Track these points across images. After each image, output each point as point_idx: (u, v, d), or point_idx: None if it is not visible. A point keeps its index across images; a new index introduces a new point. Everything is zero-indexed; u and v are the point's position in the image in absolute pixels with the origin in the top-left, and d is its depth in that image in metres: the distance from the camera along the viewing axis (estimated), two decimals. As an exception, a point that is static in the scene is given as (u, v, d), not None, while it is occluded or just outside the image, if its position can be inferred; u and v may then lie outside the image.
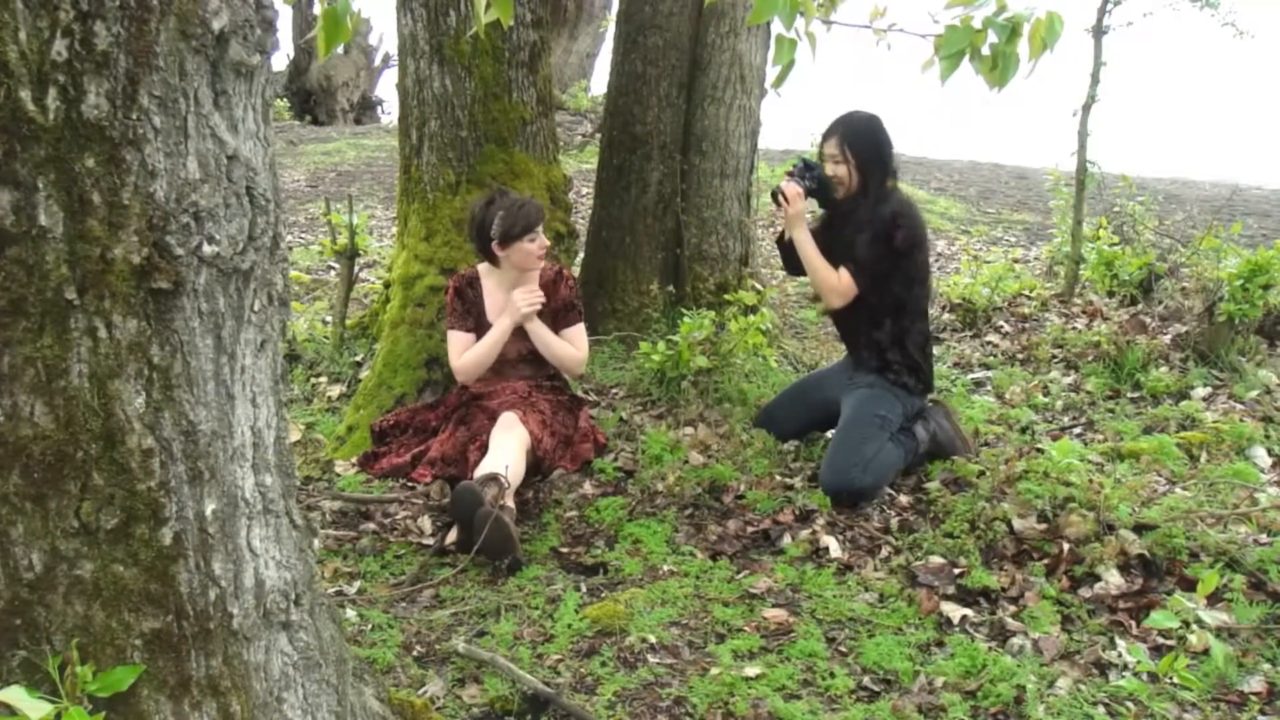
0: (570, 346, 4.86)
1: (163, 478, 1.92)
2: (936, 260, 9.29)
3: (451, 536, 4.24)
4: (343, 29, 2.67)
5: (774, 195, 4.78)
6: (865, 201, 4.68)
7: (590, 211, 6.61)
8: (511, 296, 4.69)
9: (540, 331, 4.76)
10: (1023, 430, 5.20)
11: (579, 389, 5.32)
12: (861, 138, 4.69)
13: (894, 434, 4.67)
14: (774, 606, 3.81)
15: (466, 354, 4.78)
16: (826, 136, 4.75)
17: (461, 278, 4.83)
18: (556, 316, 4.85)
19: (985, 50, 2.91)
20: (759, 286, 6.19)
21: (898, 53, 3.33)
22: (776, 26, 2.93)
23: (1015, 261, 8.53)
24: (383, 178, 12.29)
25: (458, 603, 3.87)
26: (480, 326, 4.79)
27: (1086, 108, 6.93)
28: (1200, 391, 5.49)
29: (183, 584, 1.99)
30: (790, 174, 4.78)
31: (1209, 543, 3.93)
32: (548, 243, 4.75)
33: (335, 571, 4.07)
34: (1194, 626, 2.85)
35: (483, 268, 4.85)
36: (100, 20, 1.72)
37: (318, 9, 2.84)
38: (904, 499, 4.49)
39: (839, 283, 4.67)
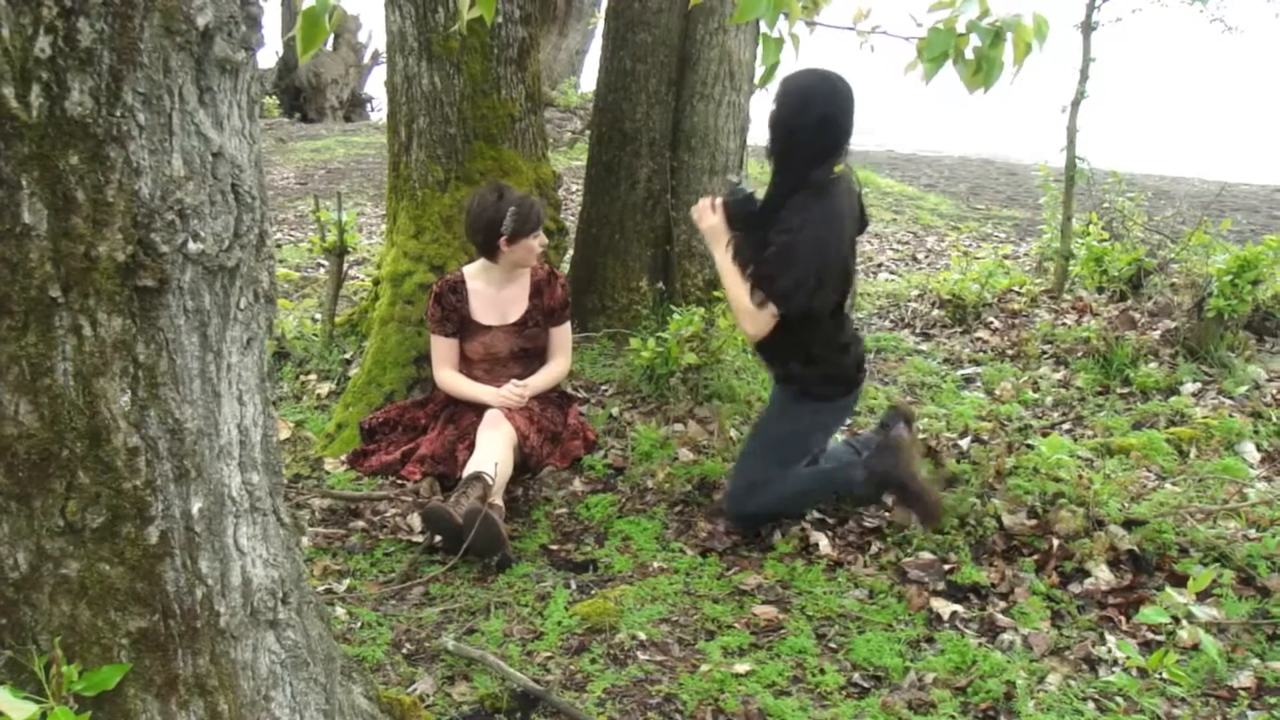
0: (557, 369, 4.96)
1: (149, 476, 1.91)
2: (927, 256, 9.30)
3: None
4: (320, 29, 2.66)
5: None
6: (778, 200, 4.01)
7: (580, 208, 6.59)
8: (501, 391, 4.72)
9: (532, 387, 4.83)
10: (1013, 426, 5.21)
11: (569, 386, 5.32)
12: (801, 106, 3.84)
13: (811, 459, 4.25)
14: (764, 603, 3.81)
15: (450, 380, 4.85)
16: None
17: (444, 283, 4.83)
18: (548, 317, 4.87)
19: (968, 54, 2.91)
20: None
21: (882, 53, 3.33)
22: (762, 25, 2.94)
23: (1005, 257, 8.53)
24: (372, 175, 12.27)
25: (447, 600, 3.87)
26: (463, 329, 4.80)
27: (1076, 104, 6.93)
28: (1189, 387, 5.50)
29: (169, 583, 1.98)
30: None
31: (1198, 538, 3.94)
32: (546, 240, 4.77)
33: (324, 569, 4.06)
34: (1183, 622, 2.85)
35: (469, 270, 4.85)
36: (83, 17, 1.71)
37: (304, 4, 2.83)
38: (892, 495, 4.48)
39: (754, 312, 3.95)
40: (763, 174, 12.43)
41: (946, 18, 2.88)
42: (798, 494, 4.24)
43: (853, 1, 3.19)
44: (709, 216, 4.11)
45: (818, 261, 3.83)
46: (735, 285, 3.99)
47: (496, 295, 4.83)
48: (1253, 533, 4.02)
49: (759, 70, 4.00)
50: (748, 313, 3.96)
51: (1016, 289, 7.29)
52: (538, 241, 4.71)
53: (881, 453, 4.31)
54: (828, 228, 3.86)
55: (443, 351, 4.83)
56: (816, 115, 3.80)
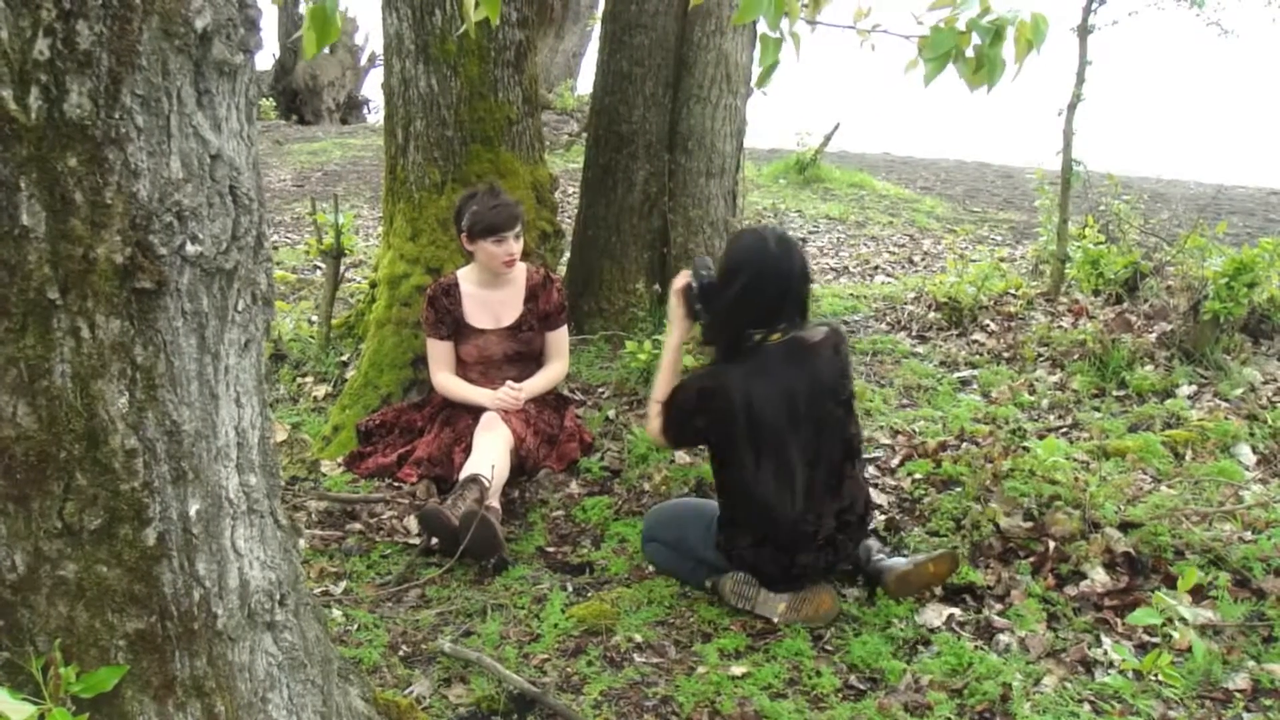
0: (554, 372, 4.96)
1: (146, 478, 1.91)
2: (923, 259, 9.30)
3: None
4: (331, 28, 2.66)
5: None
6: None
7: (576, 210, 6.60)
8: (498, 394, 4.71)
9: (528, 390, 4.82)
10: (1009, 429, 5.20)
11: (565, 388, 5.32)
12: (728, 273, 3.71)
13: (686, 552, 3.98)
14: (760, 605, 3.81)
15: (447, 384, 4.84)
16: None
17: (438, 286, 4.84)
18: (544, 321, 4.88)
19: (969, 53, 2.90)
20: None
21: (882, 53, 3.32)
22: (762, 26, 2.93)
23: (1001, 260, 8.54)
24: (369, 177, 12.27)
25: (444, 602, 3.87)
26: (458, 332, 4.80)
27: (1072, 107, 6.93)
28: (1185, 389, 5.50)
29: (166, 584, 1.98)
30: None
31: (1194, 540, 3.94)
32: (515, 251, 4.72)
33: (321, 571, 4.06)
34: (1178, 624, 2.86)
35: (463, 273, 4.87)
36: (82, 19, 1.71)
37: (303, 8, 2.83)
38: (888, 498, 4.49)
39: (652, 418, 3.92)
40: (759, 176, 12.45)
41: (947, 16, 2.87)
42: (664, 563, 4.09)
43: (853, 0, 3.18)
44: (674, 298, 3.96)
45: (697, 408, 3.71)
46: (662, 378, 3.96)
47: (489, 298, 4.84)
48: (1248, 535, 4.02)
49: (756, 72, 3.99)
50: (652, 407, 3.94)
51: (1013, 292, 7.29)
52: (500, 248, 4.68)
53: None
54: (722, 384, 3.66)
55: (438, 354, 4.84)
56: (737, 286, 3.65)
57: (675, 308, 3.94)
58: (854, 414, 3.80)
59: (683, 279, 3.93)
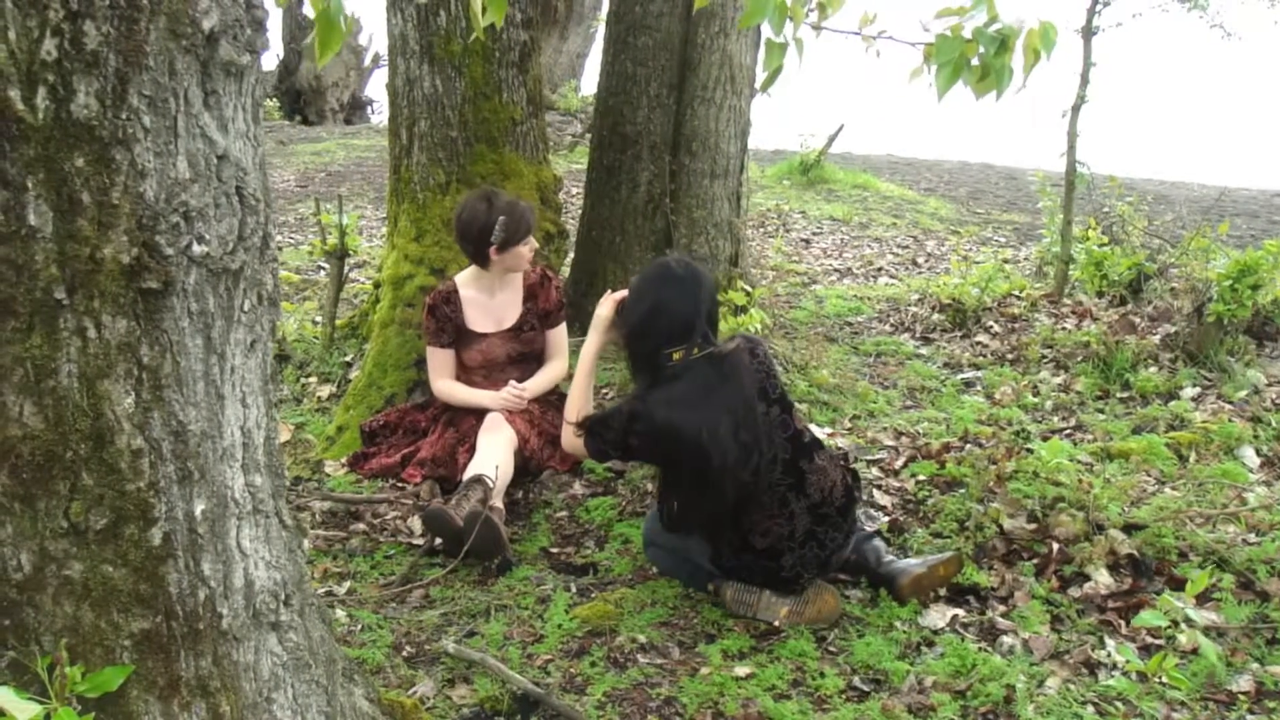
0: (554, 370, 4.95)
1: (152, 478, 1.92)
2: (927, 260, 9.30)
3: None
4: (336, 31, 2.66)
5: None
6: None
7: (580, 211, 6.60)
8: (501, 394, 4.71)
9: (531, 390, 4.82)
10: (1013, 430, 5.21)
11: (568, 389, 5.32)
12: (635, 298, 3.78)
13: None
14: (764, 606, 3.81)
15: (448, 389, 4.83)
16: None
17: (438, 294, 4.81)
18: (544, 319, 4.87)
19: (974, 61, 2.90)
20: (748, 287, 6.19)
21: (887, 55, 3.31)
22: (766, 31, 2.93)
23: (1005, 262, 8.54)
24: (373, 178, 12.27)
25: (447, 603, 3.87)
26: (460, 338, 4.79)
27: (1076, 109, 6.94)
28: (1189, 391, 5.50)
29: (172, 584, 1.98)
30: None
31: (1198, 542, 3.94)
32: (537, 245, 4.76)
33: (325, 572, 4.07)
34: (1183, 626, 2.86)
35: (461, 278, 4.84)
36: (90, 20, 1.72)
37: (308, 8, 2.83)
38: (892, 499, 4.49)
39: (570, 437, 3.95)
40: (763, 177, 12.43)
41: (954, 24, 2.86)
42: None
43: (860, 5, 3.18)
44: (605, 305, 3.95)
45: (628, 429, 3.67)
46: (577, 393, 4.00)
47: (490, 302, 4.83)
48: (1252, 537, 4.02)
49: (760, 74, 3.99)
50: (568, 423, 3.94)
51: (1016, 293, 7.29)
52: (528, 248, 4.69)
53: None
54: (648, 409, 3.63)
55: (439, 362, 4.82)
56: (645, 306, 3.70)
57: (603, 317, 3.94)
58: (793, 410, 3.78)
59: (622, 293, 3.92)
